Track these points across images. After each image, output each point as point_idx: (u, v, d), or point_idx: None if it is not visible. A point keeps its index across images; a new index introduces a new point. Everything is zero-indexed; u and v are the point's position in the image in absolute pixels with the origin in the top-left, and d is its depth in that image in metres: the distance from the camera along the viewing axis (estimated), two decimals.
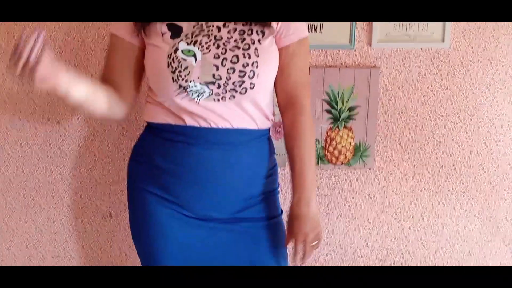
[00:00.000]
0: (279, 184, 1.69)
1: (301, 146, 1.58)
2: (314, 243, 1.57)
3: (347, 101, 2.00)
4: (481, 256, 2.17)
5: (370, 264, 2.17)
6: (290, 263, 1.64)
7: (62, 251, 2.15)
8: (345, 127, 2.03)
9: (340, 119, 2.02)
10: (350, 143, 2.05)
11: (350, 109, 2.01)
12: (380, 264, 2.17)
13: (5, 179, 2.08)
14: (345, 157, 2.07)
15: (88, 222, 2.13)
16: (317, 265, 2.17)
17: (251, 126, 1.56)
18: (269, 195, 1.64)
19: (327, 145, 2.03)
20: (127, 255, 2.15)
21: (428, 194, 2.12)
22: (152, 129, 1.59)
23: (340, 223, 2.14)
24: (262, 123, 1.58)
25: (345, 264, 2.17)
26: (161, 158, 1.55)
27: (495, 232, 2.15)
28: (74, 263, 2.15)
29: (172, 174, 1.54)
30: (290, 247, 1.59)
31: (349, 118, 2.02)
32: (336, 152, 2.05)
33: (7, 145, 2.06)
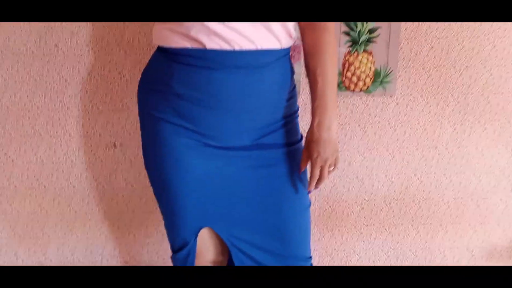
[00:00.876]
0: (298, 106, 1.68)
1: (324, 65, 1.56)
2: (331, 168, 1.60)
3: (367, 22, 1.95)
4: (509, 188, 2.16)
5: (390, 197, 2.16)
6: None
7: (64, 182, 2.16)
8: (364, 51, 1.98)
9: (360, 42, 1.97)
10: (370, 68, 2.00)
11: (371, 31, 1.96)
12: (401, 195, 2.16)
13: (2, 106, 2.07)
14: (364, 84, 2.03)
15: (91, 152, 2.13)
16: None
17: (276, 45, 1.53)
18: (290, 119, 1.64)
19: (345, 71, 1.99)
20: (133, 187, 2.16)
21: (453, 123, 2.09)
22: (165, 53, 1.54)
23: (358, 154, 2.12)
24: (286, 42, 1.55)
25: (362, 197, 2.17)
26: (179, 84, 1.52)
27: None
28: (78, 194, 2.16)
29: (192, 101, 1.52)
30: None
31: (369, 41, 1.97)
32: (354, 78, 2.01)
33: (2, 70, 2.04)
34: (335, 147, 1.59)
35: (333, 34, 1.58)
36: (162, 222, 2.05)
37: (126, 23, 1.98)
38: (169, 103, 1.54)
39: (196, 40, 1.48)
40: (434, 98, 2.05)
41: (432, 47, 1.99)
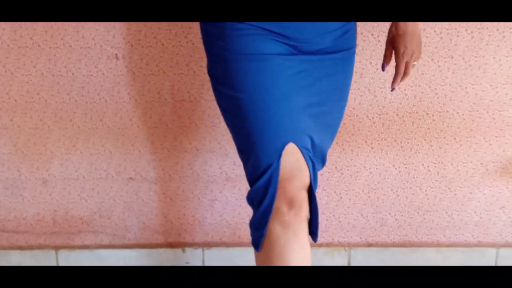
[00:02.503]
0: None
1: None
2: (415, 63, 1.62)
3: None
4: None
5: (403, 110, 2.07)
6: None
7: (66, 96, 2.07)
8: None
9: None
10: None
11: None
12: (414, 108, 2.07)
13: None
14: None
15: (93, 65, 2.04)
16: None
17: None
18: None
19: None
20: (137, 101, 2.07)
21: (470, 31, 1.98)
22: None
23: (371, 65, 2.02)
24: None
25: (374, 110, 2.07)
26: None
27: None
28: (80, 108, 2.08)
29: None
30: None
31: None
32: None
33: None
34: (419, 40, 1.60)
35: None
36: (167, 138, 1.98)
37: None
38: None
39: None
40: None
41: None
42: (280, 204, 1.51)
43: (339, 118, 1.68)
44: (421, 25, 1.56)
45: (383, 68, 1.69)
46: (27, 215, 2.23)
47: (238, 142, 1.59)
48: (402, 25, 1.59)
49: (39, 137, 2.12)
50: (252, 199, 1.56)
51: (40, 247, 2.28)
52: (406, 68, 1.63)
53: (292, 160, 1.51)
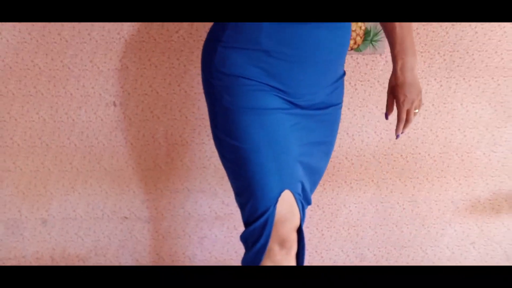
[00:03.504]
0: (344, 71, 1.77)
1: None
2: (416, 111, 1.70)
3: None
4: (491, 143, 2.22)
5: (379, 152, 2.22)
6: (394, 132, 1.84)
7: (66, 141, 2.19)
8: None
9: None
10: (361, 27, 2.05)
11: None
12: (389, 150, 2.22)
13: (5, 67, 2.10)
14: (355, 43, 2.08)
15: (92, 111, 2.17)
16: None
17: None
18: (343, 78, 1.75)
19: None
20: (132, 145, 2.20)
21: (439, 80, 2.15)
22: None
23: (349, 111, 2.17)
24: None
25: (352, 152, 2.22)
26: (267, 40, 1.57)
27: (506, 118, 2.19)
28: (79, 152, 2.20)
29: (281, 56, 1.57)
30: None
31: None
32: None
33: (5, 32, 2.06)
34: (419, 88, 1.69)
35: None
36: (160, 179, 2.10)
37: None
38: (256, 61, 1.58)
39: None
40: (422, 56, 2.10)
41: None
42: (273, 245, 1.62)
43: (325, 166, 1.81)
44: (417, 75, 1.70)
45: (386, 117, 1.80)
46: (27, 253, 2.33)
47: (237, 187, 1.68)
48: (400, 75, 1.68)
49: (40, 179, 2.24)
50: (247, 239, 1.66)
51: None
52: (408, 115, 1.71)
53: (286, 205, 1.62)
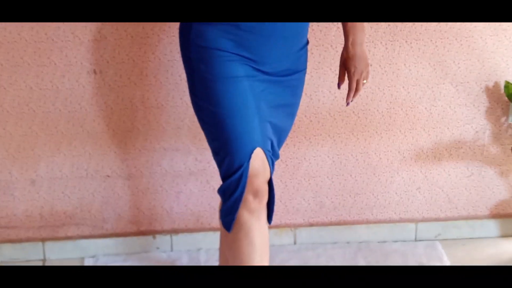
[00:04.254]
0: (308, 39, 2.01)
1: None
2: (364, 81, 1.95)
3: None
4: (432, 98, 2.50)
5: (334, 110, 2.48)
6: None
7: (51, 107, 2.39)
8: None
9: None
10: None
11: None
12: (343, 108, 2.48)
13: None
14: None
15: (74, 79, 2.37)
16: None
17: None
18: (306, 47, 1.98)
19: None
20: (112, 109, 2.41)
21: (384, 43, 2.41)
22: None
23: (306, 73, 2.42)
24: None
25: (311, 110, 2.48)
26: None
27: (444, 76, 2.47)
28: (63, 117, 2.40)
29: (248, 29, 1.79)
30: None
31: None
32: None
33: None
34: (367, 61, 1.94)
35: None
36: (138, 139, 2.34)
37: None
38: (226, 34, 1.80)
39: None
40: (369, 23, 2.36)
41: None
42: (248, 195, 1.87)
43: (290, 125, 2.06)
44: (366, 50, 1.97)
45: (338, 86, 2.05)
46: (17, 212, 2.53)
47: (215, 147, 1.92)
48: (351, 48, 1.92)
49: (28, 142, 2.44)
50: (225, 191, 1.89)
51: (28, 240, 2.58)
52: (357, 85, 1.96)
53: (258, 161, 1.87)
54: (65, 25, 2.29)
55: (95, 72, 2.37)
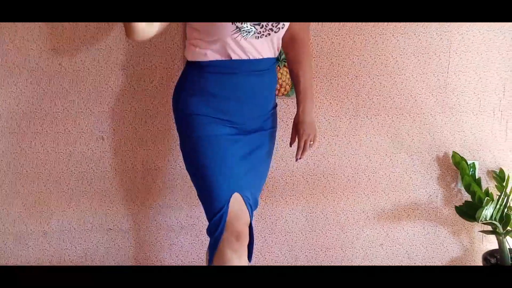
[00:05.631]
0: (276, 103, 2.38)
1: (304, 69, 2.30)
2: (311, 142, 2.27)
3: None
4: (390, 165, 2.88)
5: (306, 173, 2.85)
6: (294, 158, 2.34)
7: (64, 168, 2.76)
8: (284, 65, 2.69)
9: (280, 59, 2.67)
10: (288, 78, 2.70)
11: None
12: (314, 172, 2.86)
13: (19, 112, 2.69)
14: (285, 90, 2.73)
15: (85, 144, 2.76)
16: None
17: (273, 55, 2.22)
18: (275, 109, 2.34)
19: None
20: (116, 170, 2.77)
21: (349, 117, 2.79)
22: (199, 67, 2.15)
23: (282, 141, 2.80)
24: (277, 53, 2.25)
25: (286, 174, 2.85)
26: (213, 87, 2.17)
27: (400, 146, 2.86)
28: (74, 177, 2.77)
29: (223, 97, 2.17)
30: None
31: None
32: (278, 86, 2.71)
33: (20, 83, 2.67)
34: (314, 127, 2.28)
35: (309, 46, 2.31)
36: (139, 197, 2.70)
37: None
38: (207, 103, 2.18)
39: (225, 54, 2.13)
40: (334, 99, 2.76)
41: (331, 63, 2.72)
42: (231, 237, 2.15)
43: (266, 170, 2.40)
44: (314, 117, 2.32)
45: (290, 145, 2.41)
46: (30, 260, 2.85)
47: (200, 194, 2.24)
48: (301, 115, 2.26)
49: (43, 198, 2.80)
50: (210, 230, 2.20)
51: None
52: (305, 145, 2.27)
53: (237, 205, 2.17)
54: (78, 98, 2.68)
55: (102, 138, 2.74)
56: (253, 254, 2.29)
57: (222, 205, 2.15)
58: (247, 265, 2.23)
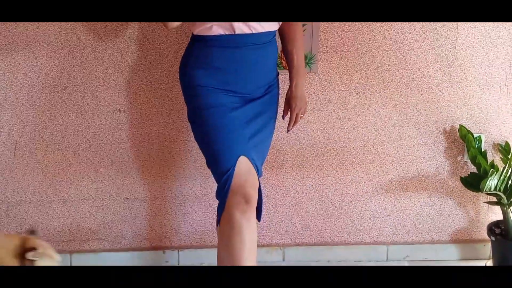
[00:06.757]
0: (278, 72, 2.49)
1: (298, 47, 2.44)
2: (302, 115, 2.44)
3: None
4: (398, 138, 2.95)
5: (316, 146, 2.93)
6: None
7: (83, 139, 2.86)
8: None
9: None
10: None
11: None
12: (323, 145, 2.94)
13: (47, 104, 2.79)
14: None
15: (103, 116, 2.85)
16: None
17: (274, 28, 2.33)
18: (277, 78, 2.46)
19: (282, 55, 2.76)
20: (133, 142, 2.87)
21: (358, 91, 2.87)
22: (204, 41, 2.25)
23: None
24: (278, 25, 2.35)
25: (297, 147, 2.93)
26: (217, 61, 2.27)
27: (408, 119, 2.93)
28: (92, 148, 2.88)
29: (227, 70, 2.28)
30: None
31: None
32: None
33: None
34: (305, 100, 2.46)
35: (301, 26, 2.45)
36: (155, 167, 2.80)
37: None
38: (212, 75, 2.28)
39: (229, 28, 2.22)
40: (344, 74, 2.83)
41: (341, 39, 2.79)
42: (240, 199, 2.25)
43: (270, 135, 2.50)
44: (305, 92, 2.46)
45: (283, 117, 2.52)
46: (50, 227, 2.97)
47: (208, 160, 2.36)
48: (294, 90, 2.41)
49: (62, 168, 2.90)
50: (219, 193, 2.32)
51: (58, 252, 2.97)
52: (296, 118, 2.44)
53: (245, 168, 2.28)
54: (96, 72, 2.77)
55: (119, 111, 2.84)
56: (261, 216, 2.39)
57: (229, 167, 2.25)
58: (255, 227, 2.30)
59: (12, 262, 2.01)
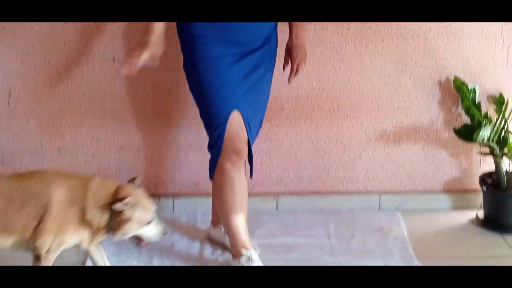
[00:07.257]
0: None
1: None
2: (302, 65, 2.43)
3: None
4: (393, 89, 2.96)
5: (311, 96, 2.93)
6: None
7: (77, 88, 2.85)
8: None
9: None
10: None
11: None
12: (318, 96, 2.94)
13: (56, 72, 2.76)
14: None
15: (97, 65, 2.83)
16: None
17: None
18: (276, 28, 2.43)
19: None
20: (127, 90, 2.86)
21: (354, 42, 2.85)
22: None
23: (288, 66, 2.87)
24: None
25: (292, 97, 2.93)
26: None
27: (402, 71, 2.92)
28: (87, 96, 2.87)
29: (229, 25, 2.24)
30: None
31: None
32: None
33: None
34: (305, 50, 2.44)
35: None
36: (149, 116, 2.80)
37: None
38: (212, 25, 2.25)
39: None
40: (340, 25, 2.80)
41: None
42: (231, 153, 2.32)
43: (267, 95, 2.51)
44: (305, 42, 2.45)
45: (284, 68, 2.51)
46: None
47: (202, 111, 2.38)
48: (294, 40, 2.41)
49: (57, 117, 2.89)
50: (211, 146, 2.36)
51: None
52: (298, 68, 2.45)
53: (236, 123, 2.31)
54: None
55: (114, 59, 2.82)
56: (253, 171, 2.43)
57: (221, 122, 2.29)
58: (247, 183, 2.38)
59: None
